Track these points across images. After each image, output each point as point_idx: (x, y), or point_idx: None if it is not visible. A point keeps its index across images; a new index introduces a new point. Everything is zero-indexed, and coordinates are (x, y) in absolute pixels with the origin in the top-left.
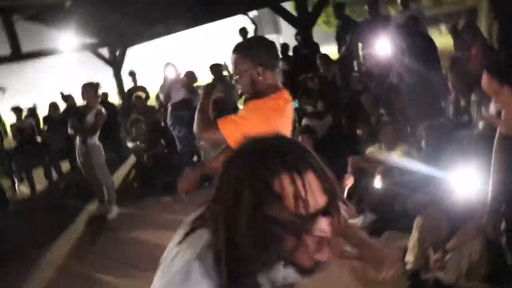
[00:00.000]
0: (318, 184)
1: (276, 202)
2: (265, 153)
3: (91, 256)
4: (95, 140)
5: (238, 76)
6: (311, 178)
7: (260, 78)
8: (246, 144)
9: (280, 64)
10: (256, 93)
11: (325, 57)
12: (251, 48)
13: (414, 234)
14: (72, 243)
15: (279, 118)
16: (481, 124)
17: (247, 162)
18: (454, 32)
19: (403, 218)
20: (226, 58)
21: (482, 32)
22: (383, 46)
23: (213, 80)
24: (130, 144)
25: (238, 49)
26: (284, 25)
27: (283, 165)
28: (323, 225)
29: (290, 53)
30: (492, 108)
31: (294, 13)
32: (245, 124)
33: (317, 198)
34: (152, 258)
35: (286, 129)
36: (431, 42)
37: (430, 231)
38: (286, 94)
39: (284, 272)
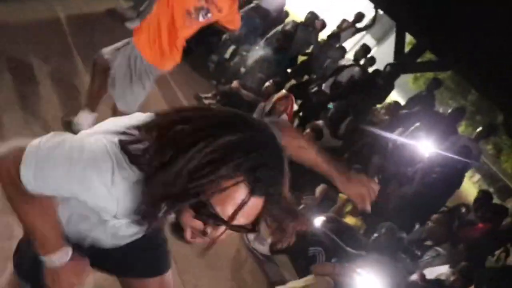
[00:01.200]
0: (257, 211)
1: (214, 182)
2: (256, 150)
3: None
4: None
5: None
6: (259, 203)
7: None
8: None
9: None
10: None
11: (398, 105)
12: None
13: (301, 282)
14: (77, 12)
15: None
16: (415, 276)
17: (238, 134)
18: (484, 200)
19: (302, 260)
20: (326, 17)
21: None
22: (429, 145)
23: (299, 22)
24: None
25: None
26: (389, 44)
27: (255, 174)
28: (219, 232)
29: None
30: (439, 271)
31: (406, 48)
32: None
33: (241, 217)
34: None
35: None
36: (460, 178)
37: None
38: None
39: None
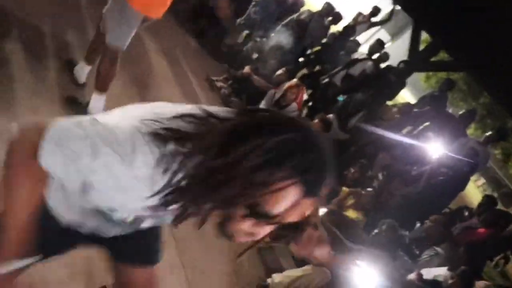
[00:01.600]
0: (306, 212)
1: (270, 184)
2: (311, 151)
3: None
4: None
5: None
6: (309, 203)
7: None
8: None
9: None
10: None
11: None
12: None
13: (298, 271)
14: None
15: None
16: (412, 275)
17: (292, 134)
18: (488, 205)
19: None
20: (343, 11)
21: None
22: (437, 145)
23: (315, 12)
24: None
25: None
26: (403, 40)
27: (308, 175)
28: (266, 230)
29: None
30: (437, 272)
31: (422, 46)
32: None
33: (291, 218)
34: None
35: None
36: (465, 180)
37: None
38: None
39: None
